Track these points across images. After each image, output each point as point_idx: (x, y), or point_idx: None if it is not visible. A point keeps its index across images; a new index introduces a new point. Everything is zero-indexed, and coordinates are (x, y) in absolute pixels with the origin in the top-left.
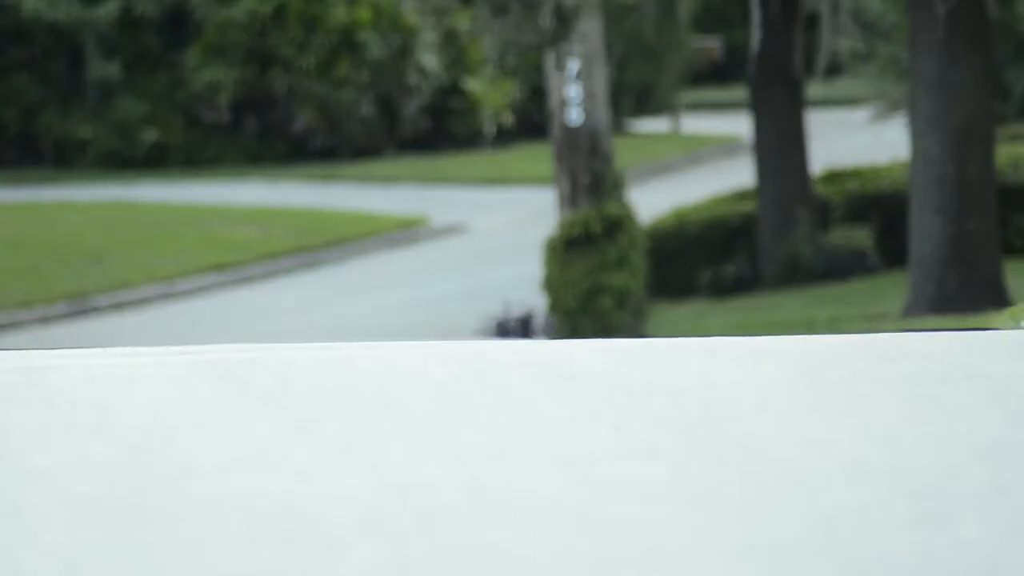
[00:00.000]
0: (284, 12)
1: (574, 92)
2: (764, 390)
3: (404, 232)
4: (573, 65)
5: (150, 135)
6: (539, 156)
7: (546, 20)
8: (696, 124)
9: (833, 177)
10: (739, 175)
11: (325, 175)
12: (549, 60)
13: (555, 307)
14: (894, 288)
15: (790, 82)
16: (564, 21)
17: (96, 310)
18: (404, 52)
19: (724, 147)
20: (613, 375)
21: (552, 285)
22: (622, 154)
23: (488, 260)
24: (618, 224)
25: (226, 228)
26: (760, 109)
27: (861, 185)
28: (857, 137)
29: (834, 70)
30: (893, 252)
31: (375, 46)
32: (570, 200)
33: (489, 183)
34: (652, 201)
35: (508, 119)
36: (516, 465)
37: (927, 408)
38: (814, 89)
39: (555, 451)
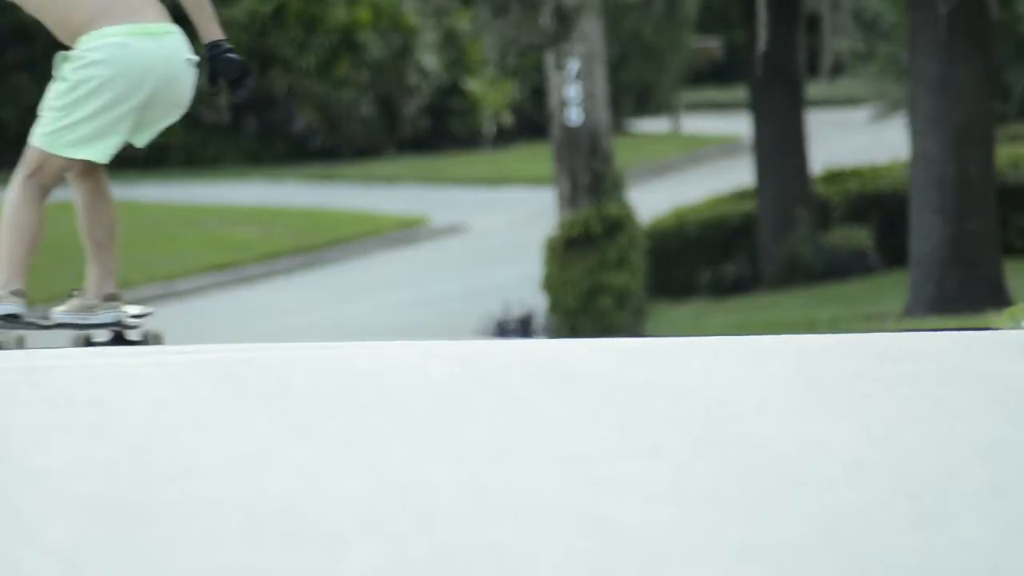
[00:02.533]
0: (284, 12)
1: (574, 92)
2: (765, 390)
3: (404, 232)
4: (573, 65)
5: None
6: (539, 156)
7: (546, 20)
8: (696, 124)
9: (833, 177)
10: (739, 175)
11: (325, 175)
12: (549, 60)
13: (555, 307)
14: (894, 288)
15: (790, 82)
16: (564, 21)
17: None
18: (404, 52)
19: (724, 147)
20: (614, 375)
21: (552, 285)
22: (622, 154)
23: (488, 260)
24: (618, 224)
25: (226, 228)
26: (760, 109)
27: (861, 185)
28: (857, 137)
29: (834, 70)
30: (893, 252)
31: (375, 46)
32: (570, 200)
33: (489, 183)
34: (652, 201)
35: (508, 119)
36: (517, 465)
37: (927, 408)
38: (814, 89)
39: (556, 451)
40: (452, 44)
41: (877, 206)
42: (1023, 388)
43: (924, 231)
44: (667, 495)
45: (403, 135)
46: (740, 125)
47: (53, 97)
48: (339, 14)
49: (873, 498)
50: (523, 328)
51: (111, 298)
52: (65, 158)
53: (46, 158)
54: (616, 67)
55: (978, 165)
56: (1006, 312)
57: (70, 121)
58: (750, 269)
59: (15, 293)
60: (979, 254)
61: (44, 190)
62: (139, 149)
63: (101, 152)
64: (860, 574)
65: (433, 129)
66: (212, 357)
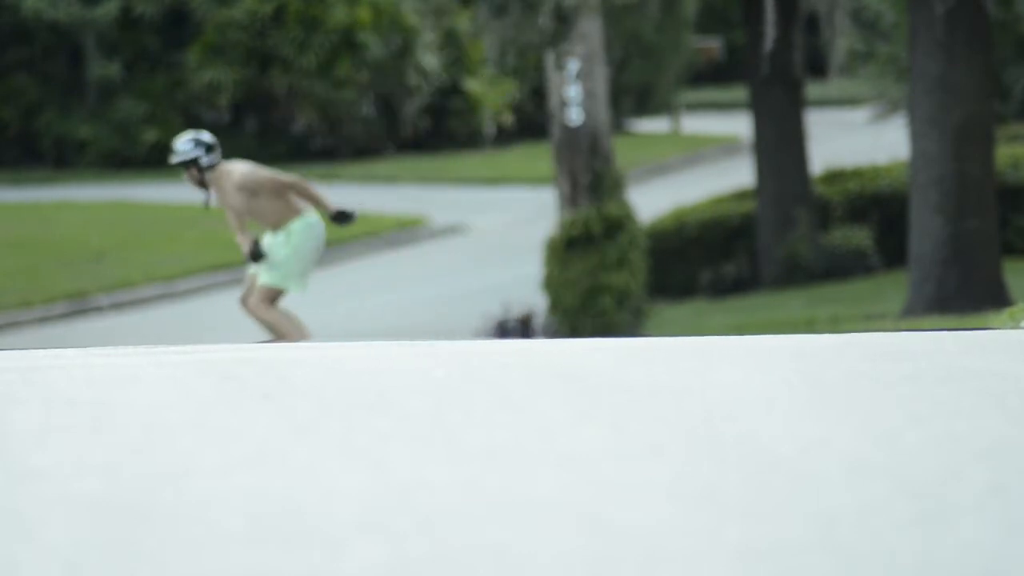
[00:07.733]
0: (284, 12)
1: (574, 92)
2: (764, 390)
3: (404, 232)
4: (573, 65)
5: (150, 135)
6: (539, 156)
7: (546, 20)
8: (696, 124)
9: (833, 177)
10: (739, 175)
11: (325, 175)
12: (549, 60)
13: (555, 307)
14: (894, 288)
15: (790, 82)
16: (564, 21)
17: (96, 310)
18: (404, 52)
19: (724, 147)
20: (614, 375)
21: (552, 285)
22: (622, 154)
23: (488, 260)
24: (618, 224)
25: (226, 228)
26: (760, 109)
27: (861, 185)
28: (857, 137)
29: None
30: (893, 252)
31: (375, 46)
32: (570, 200)
33: (489, 183)
34: (652, 201)
35: (508, 119)
36: (516, 465)
37: (927, 408)
38: (814, 89)
39: (555, 451)
40: (452, 44)
41: (877, 206)
42: (1023, 388)
43: (924, 230)
44: (666, 495)
45: (403, 135)
46: (740, 125)
47: None
48: (339, 14)
49: (873, 498)
50: (523, 328)
51: None
52: None
53: None
54: (616, 67)
55: (978, 165)
56: (1006, 312)
57: None
58: (750, 269)
59: None
60: (979, 254)
61: None
62: (139, 149)
63: None
64: (859, 573)
65: (433, 129)
66: (212, 357)
